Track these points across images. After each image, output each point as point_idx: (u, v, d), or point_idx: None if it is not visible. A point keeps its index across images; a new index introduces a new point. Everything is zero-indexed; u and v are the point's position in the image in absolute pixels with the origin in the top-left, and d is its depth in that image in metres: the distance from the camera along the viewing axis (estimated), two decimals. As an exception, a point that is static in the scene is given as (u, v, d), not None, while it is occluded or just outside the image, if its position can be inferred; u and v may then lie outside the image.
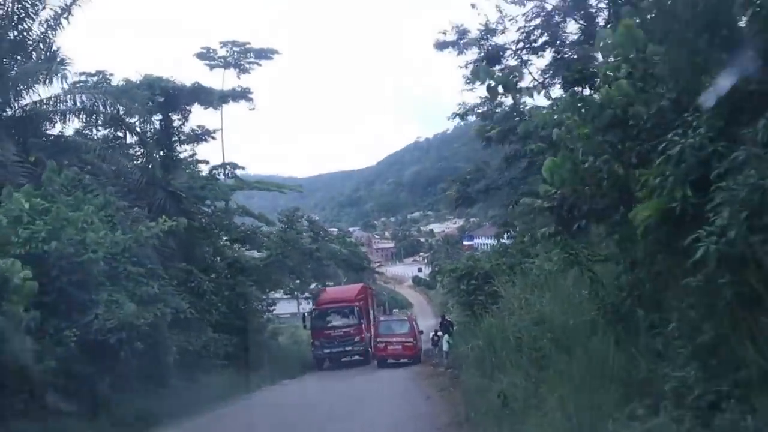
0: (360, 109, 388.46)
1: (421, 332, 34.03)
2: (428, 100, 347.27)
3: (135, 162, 24.10)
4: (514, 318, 14.19)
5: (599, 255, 11.24)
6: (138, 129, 25.30)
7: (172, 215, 18.18)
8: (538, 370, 11.63)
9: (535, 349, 11.77)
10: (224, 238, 29.73)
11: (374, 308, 37.53)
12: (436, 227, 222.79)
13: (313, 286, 35.55)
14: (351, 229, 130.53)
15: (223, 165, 32.99)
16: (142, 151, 24.75)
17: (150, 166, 23.29)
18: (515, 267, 19.11)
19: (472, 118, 29.48)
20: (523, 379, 11.85)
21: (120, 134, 25.97)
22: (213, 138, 32.72)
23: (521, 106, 27.42)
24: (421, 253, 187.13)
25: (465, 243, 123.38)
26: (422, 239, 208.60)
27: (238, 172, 34.28)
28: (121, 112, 23.70)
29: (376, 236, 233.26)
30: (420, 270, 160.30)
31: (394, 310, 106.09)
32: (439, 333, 31.46)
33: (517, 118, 27.74)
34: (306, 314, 32.69)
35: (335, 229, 40.40)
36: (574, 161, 9.19)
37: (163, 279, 17.36)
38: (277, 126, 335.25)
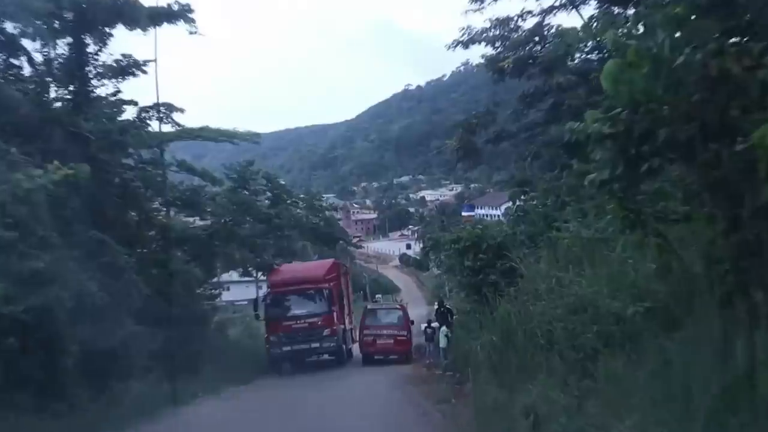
0: (336, 49, 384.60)
1: (412, 323, 34.30)
2: (420, 40, 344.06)
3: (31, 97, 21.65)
4: (542, 304, 12.94)
5: (676, 212, 9.24)
6: (41, 56, 23.00)
7: (74, 163, 15.83)
8: (581, 378, 10.18)
9: (574, 348, 10.65)
10: (156, 200, 27.52)
11: (350, 292, 35.51)
12: (429, 194, 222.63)
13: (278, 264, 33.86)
14: (325, 196, 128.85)
15: (156, 106, 30.36)
16: (39, 80, 22.29)
17: (45, 99, 20.85)
18: (538, 237, 18.34)
19: (477, 52, 27.44)
20: (560, 390, 10.41)
21: (15, 62, 23.56)
22: (144, 71, 29.02)
23: (545, 29, 25.80)
24: (410, 226, 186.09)
25: (464, 213, 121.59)
26: (411, 209, 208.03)
27: (179, 118, 32.11)
28: (13, 31, 21.46)
29: (356, 205, 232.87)
30: (409, 247, 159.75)
31: (376, 296, 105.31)
32: (434, 324, 30.43)
33: (539, 46, 26.17)
34: (259, 299, 30.63)
35: (302, 195, 38.08)
36: (657, 59, 7.08)
37: (60, 250, 15.13)
38: (234, 71, 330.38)
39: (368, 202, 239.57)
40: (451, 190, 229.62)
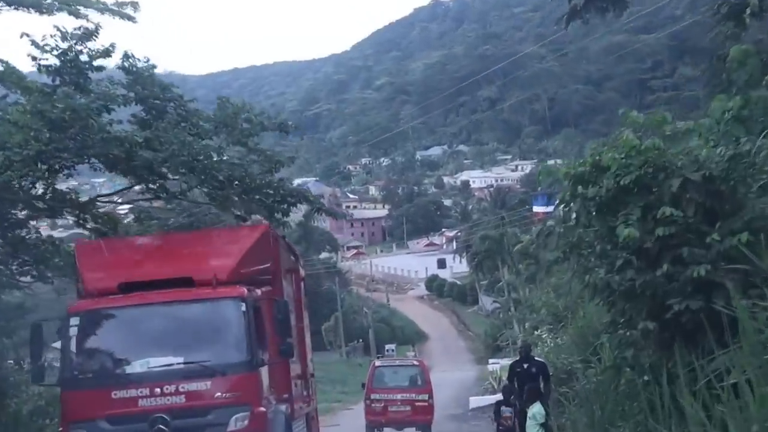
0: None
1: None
2: None
3: None
4: None
5: None
6: None
7: None
8: None
9: None
10: None
11: (305, 309, 27.73)
12: (476, 177, 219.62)
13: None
14: (300, 180, 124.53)
15: None
16: None
17: None
18: None
19: None
20: None
21: None
22: None
23: None
24: (444, 230, 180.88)
25: (537, 208, 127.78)
26: (447, 201, 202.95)
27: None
28: None
29: (351, 195, 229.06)
30: (442, 264, 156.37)
31: (387, 348, 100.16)
32: (513, 399, 27.24)
33: None
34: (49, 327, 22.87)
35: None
36: None
37: None
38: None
39: (373, 190, 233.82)
40: (515, 169, 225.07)
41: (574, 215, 17.63)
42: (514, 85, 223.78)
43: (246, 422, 19.27)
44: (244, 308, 19.88)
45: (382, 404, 38.30)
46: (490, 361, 77.83)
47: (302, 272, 28.07)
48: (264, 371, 20.04)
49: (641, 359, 16.57)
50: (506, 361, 67.60)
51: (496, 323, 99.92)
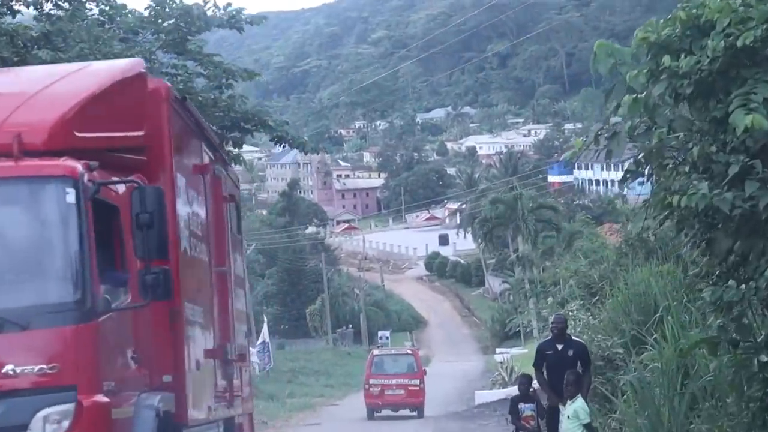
0: None
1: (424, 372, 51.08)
2: None
3: None
4: None
5: None
6: None
7: None
8: None
9: None
10: None
11: (236, 252, 20.91)
12: (484, 143, 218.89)
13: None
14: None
15: None
16: None
17: None
18: None
19: None
20: None
21: None
22: None
23: None
24: (446, 202, 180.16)
25: (552, 178, 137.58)
26: (451, 170, 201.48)
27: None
28: None
29: (343, 163, 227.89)
30: (444, 240, 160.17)
31: (380, 336, 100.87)
32: (535, 390, 24.76)
33: None
34: None
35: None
36: None
37: None
38: None
39: (367, 157, 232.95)
40: (527, 134, 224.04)
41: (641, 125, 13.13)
42: (528, 39, 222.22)
43: (66, 423, 11.47)
44: (73, 199, 11.92)
45: (380, 388, 48.97)
46: (498, 350, 77.96)
47: (230, 185, 19.29)
48: (114, 325, 12.08)
49: (747, 329, 12.82)
50: (516, 351, 66.83)
51: (505, 307, 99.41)
